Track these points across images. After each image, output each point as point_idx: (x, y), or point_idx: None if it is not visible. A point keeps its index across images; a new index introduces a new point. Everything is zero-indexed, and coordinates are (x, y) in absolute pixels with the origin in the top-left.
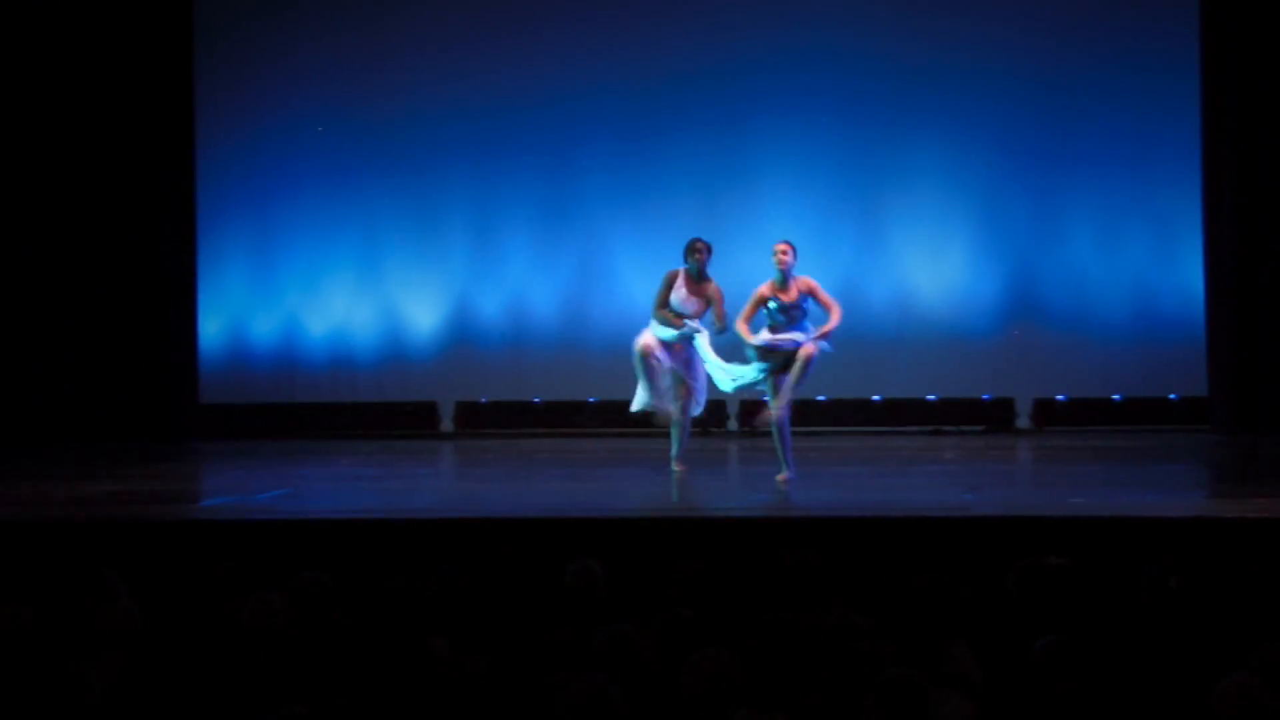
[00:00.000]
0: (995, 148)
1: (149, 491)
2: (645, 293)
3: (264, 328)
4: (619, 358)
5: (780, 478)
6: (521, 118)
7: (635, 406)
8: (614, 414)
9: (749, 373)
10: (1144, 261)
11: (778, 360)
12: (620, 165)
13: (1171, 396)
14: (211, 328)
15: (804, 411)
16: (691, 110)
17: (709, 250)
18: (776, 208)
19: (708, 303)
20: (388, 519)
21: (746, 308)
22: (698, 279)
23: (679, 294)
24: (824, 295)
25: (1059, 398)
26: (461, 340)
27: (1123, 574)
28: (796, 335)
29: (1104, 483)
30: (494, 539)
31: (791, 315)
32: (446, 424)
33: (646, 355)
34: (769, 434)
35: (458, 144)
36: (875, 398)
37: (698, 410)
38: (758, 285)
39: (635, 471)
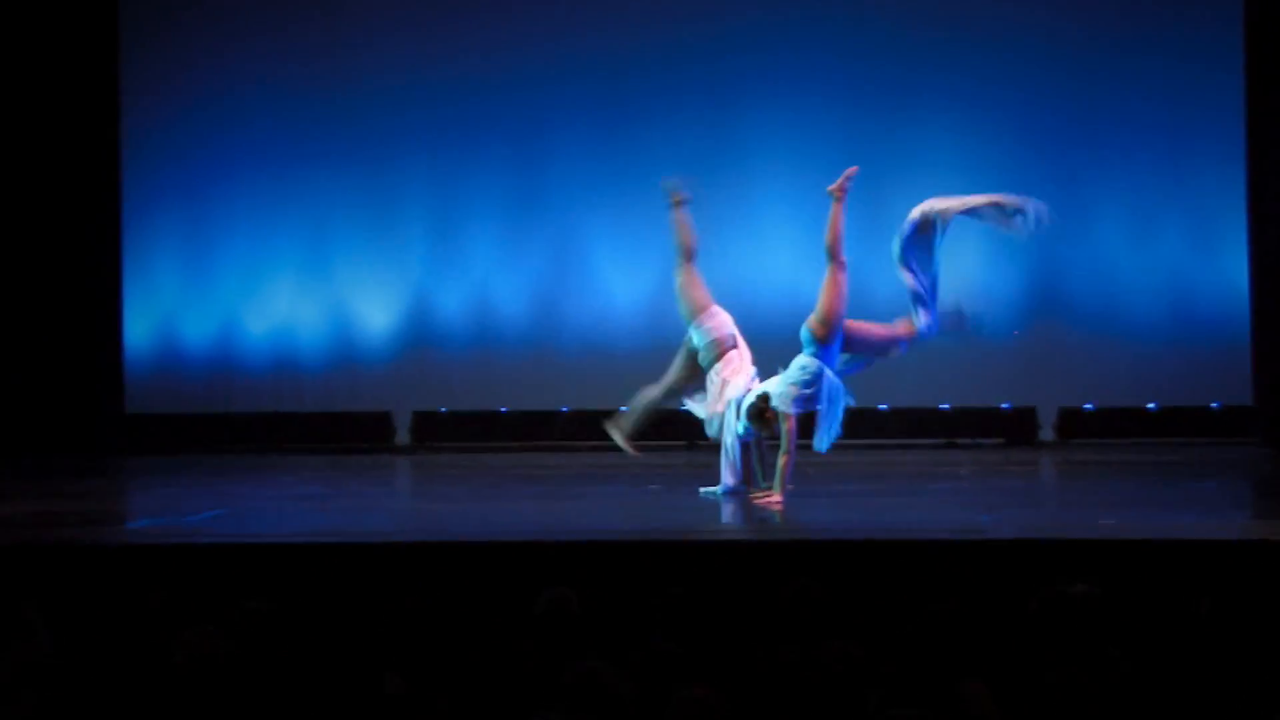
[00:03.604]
0: (1013, 129)
1: (68, 512)
2: (624, 290)
3: (198, 329)
4: (594, 363)
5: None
6: (487, 97)
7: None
8: (589, 425)
9: None
10: (1182, 254)
11: None
12: (596, 151)
13: (1213, 405)
14: (138, 329)
15: (799, 423)
16: (676, 91)
17: None
18: (770, 198)
19: None
20: (337, 543)
21: None
22: None
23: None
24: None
25: (1086, 407)
26: (419, 343)
27: (1157, 603)
28: None
29: (1136, 502)
30: (456, 564)
31: None
32: (402, 436)
33: None
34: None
35: (415, 126)
36: (881, 406)
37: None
38: (746, 278)
39: (613, 489)
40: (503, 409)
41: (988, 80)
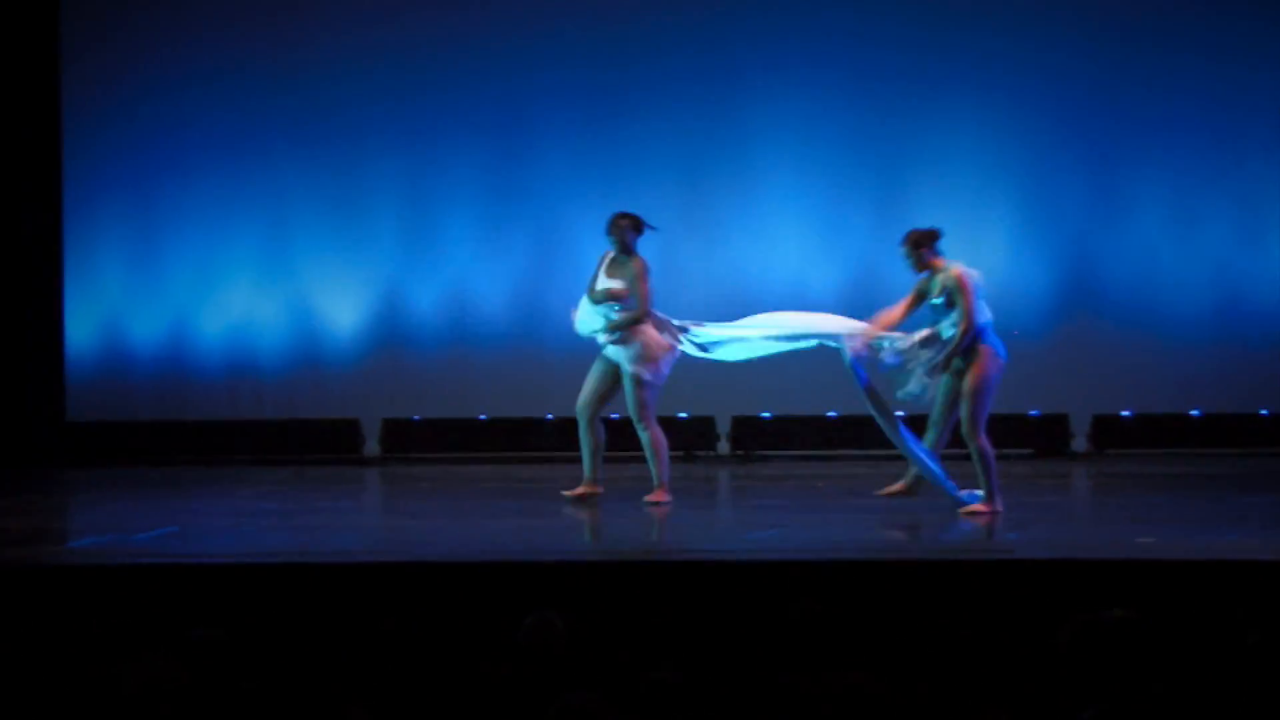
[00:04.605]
0: (1042, 111)
1: (4, 530)
2: None
3: (146, 330)
4: (581, 366)
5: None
6: (464, 79)
7: None
8: (576, 434)
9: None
10: (1227, 246)
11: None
12: (583, 138)
13: (1261, 412)
14: (81, 330)
15: (811, 430)
16: (671, 74)
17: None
18: (777, 189)
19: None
20: (299, 564)
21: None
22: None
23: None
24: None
25: (1123, 414)
26: (390, 345)
27: (1200, 631)
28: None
29: (1178, 518)
30: (430, 588)
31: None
32: (371, 446)
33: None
34: (762, 459)
35: (386, 108)
36: (897, 414)
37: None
38: (749, 278)
39: (603, 504)
40: (481, 416)
41: (1014, 58)
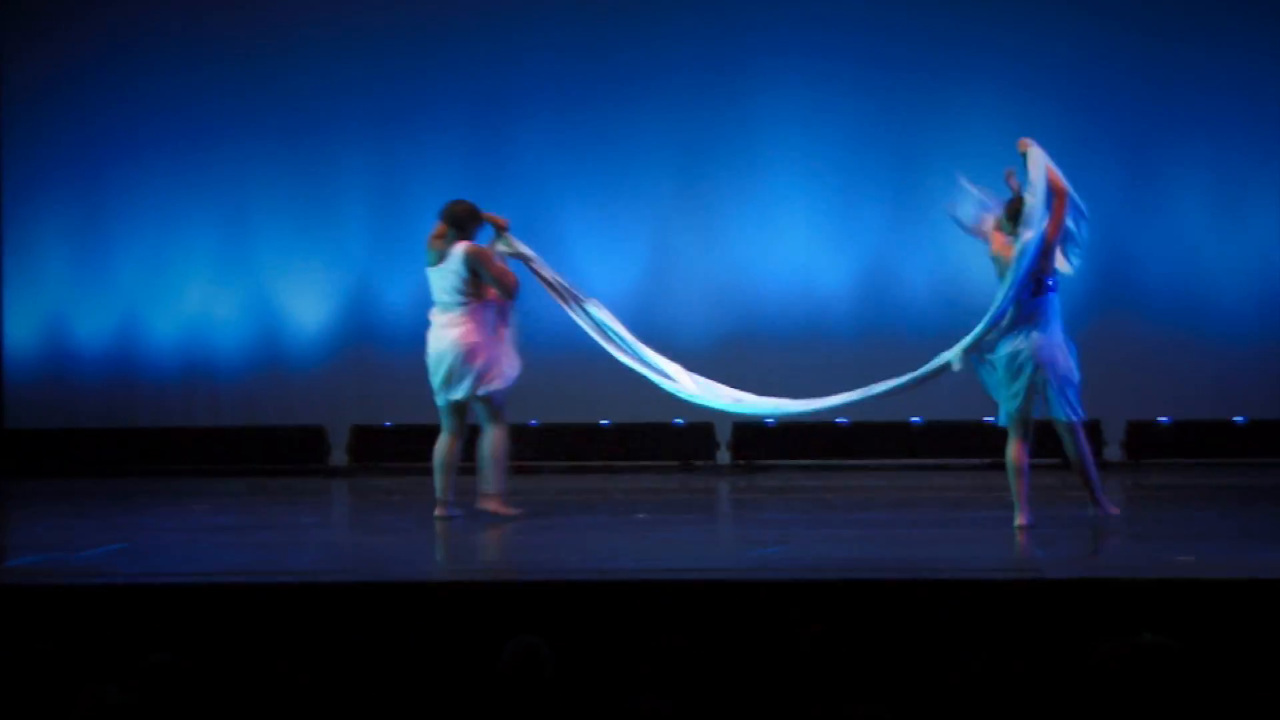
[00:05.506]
0: (1072, 95)
1: None
2: (602, 285)
3: (92, 329)
4: (567, 369)
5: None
6: (442, 58)
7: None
8: (563, 441)
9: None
10: (1271, 240)
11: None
12: (574, 126)
13: None
14: (20, 329)
15: (822, 439)
16: (670, 55)
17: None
18: (783, 183)
19: None
20: (260, 584)
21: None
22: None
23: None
24: None
25: (1161, 420)
26: (359, 347)
27: (1244, 657)
28: None
29: (1220, 534)
30: (402, 610)
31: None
32: (338, 455)
33: None
34: (765, 469)
35: (356, 90)
36: (914, 420)
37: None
38: (753, 275)
39: (591, 519)
40: None
41: (1039, 35)
